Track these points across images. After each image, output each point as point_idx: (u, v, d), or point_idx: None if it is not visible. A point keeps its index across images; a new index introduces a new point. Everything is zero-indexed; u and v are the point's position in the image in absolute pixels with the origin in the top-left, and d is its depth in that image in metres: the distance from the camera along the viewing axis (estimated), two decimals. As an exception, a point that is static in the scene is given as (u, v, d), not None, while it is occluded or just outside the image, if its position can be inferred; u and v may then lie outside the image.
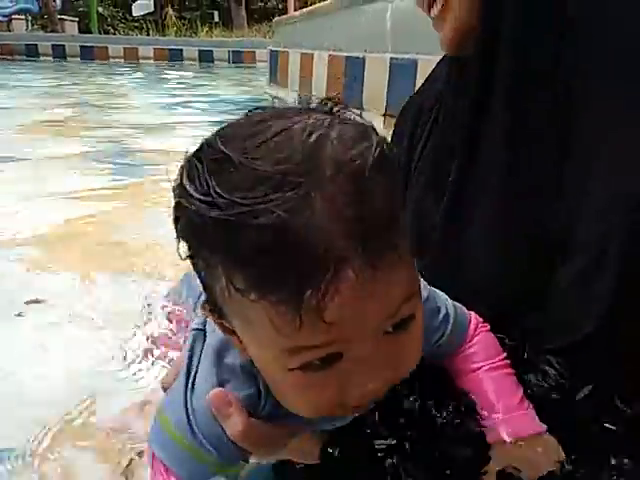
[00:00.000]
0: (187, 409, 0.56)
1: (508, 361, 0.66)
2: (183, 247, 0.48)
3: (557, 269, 0.72)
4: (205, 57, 10.64)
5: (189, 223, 0.46)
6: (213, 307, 0.50)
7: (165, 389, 0.65)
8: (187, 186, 0.45)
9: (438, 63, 0.99)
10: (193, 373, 0.58)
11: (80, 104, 4.78)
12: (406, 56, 3.19)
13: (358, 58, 3.80)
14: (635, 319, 0.67)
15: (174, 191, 0.47)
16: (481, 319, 0.69)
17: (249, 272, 0.43)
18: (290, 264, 0.41)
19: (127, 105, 4.87)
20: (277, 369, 0.48)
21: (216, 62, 10.61)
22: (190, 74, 8.59)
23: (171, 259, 1.32)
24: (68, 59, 10.03)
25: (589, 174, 0.69)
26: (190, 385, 0.57)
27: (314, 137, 0.43)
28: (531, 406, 0.64)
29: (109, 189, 2.28)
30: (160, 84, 6.76)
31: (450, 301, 0.66)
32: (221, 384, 0.56)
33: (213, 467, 0.56)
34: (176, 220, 0.48)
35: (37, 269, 1.49)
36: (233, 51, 10.75)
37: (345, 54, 4.06)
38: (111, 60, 10.18)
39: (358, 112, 0.51)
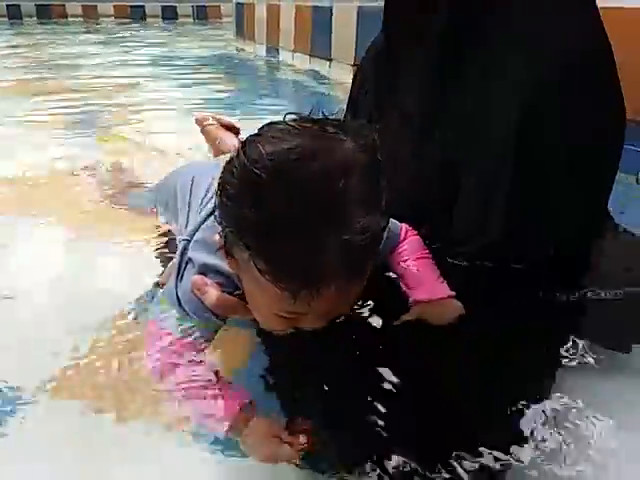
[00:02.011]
0: (177, 293, 0.80)
1: (429, 253, 0.90)
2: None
3: (461, 182, 0.92)
4: (168, 13, 10.30)
5: (232, 213, 0.64)
6: (227, 247, 0.70)
7: (162, 284, 0.95)
8: (237, 186, 0.63)
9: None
10: (182, 271, 0.82)
11: (41, 65, 4.62)
12: (374, 4, 3.14)
13: (325, 8, 3.73)
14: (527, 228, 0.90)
15: (225, 174, 0.65)
16: (410, 228, 0.92)
17: (271, 266, 0.62)
18: (299, 274, 0.62)
19: (90, 64, 4.72)
20: (261, 306, 0.71)
21: (180, 18, 10.29)
22: (153, 31, 8.33)
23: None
24: (24, 19, 9.61)
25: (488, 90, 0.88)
26: (180, 277, 0.82)
27: (338, 189, 0.60)
28: (443, 280, 0.87)
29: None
30: (123, 42, 6.54)
31: None
32: (202, 274, 0.78)
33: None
34: (224, 173, 0.65)
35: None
36: (197, 6, 10.42)
37: (312, 4, 3.98)
38: (69, 19, 9.79)
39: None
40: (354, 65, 3.30)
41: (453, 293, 0.86)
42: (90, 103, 3.13)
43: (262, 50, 5.18)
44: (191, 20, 10.24)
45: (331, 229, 0.60)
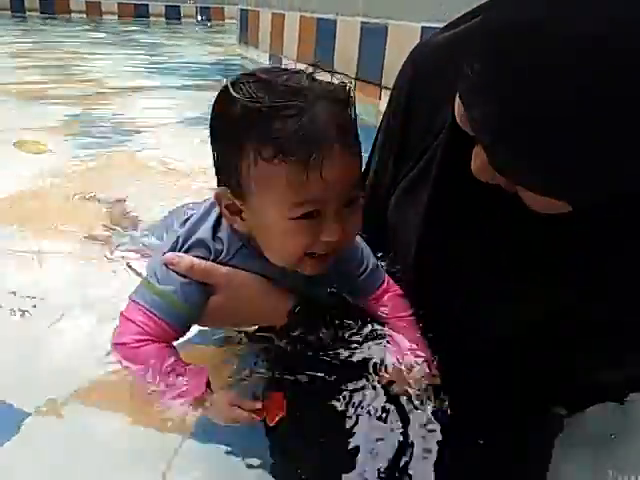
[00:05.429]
0: (154, 272, 0.84)
1: (412, 316, 0.90)
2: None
3: None
4: (172, 13, 10.33)
5: (227, 115, 0.74)
6: (234, 186, 0.76)
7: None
8: (232, 92, 0.73)
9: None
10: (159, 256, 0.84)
11: (43, 65, 4.62)
12: (377, 20, 3.18)
13: (329, 21, 3.77)
14: None
15: (217, 97, 0.76)
16: (394, 283, 0.93)
17: (277, 144, 0.70)
18: (304, 140, 0.70)
19: (91, 69, 4.72)
20: (278, 219, 0.74)
21: (183, 19, 10.32)
22: (155, 32, 8.35)
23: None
24: (27, 14, 9.60)
25: None
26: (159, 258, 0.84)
27: (305, 84, 0.75)
28: (421, 340, 0.86)
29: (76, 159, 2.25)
30: (125, 44, 6.55)
31: (373, 257, 0.92)
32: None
33: (170, 300, 0.82)
34: (213, 118, 0.78)
35: None
36: (201, 7, 10.46)
37: (316, 16, 4.02)
38: (73, 15, 9.79)
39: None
40: (355, 79, 3.34)
41: (428, 356, 0.84)
42: (84, 109, 3.13)
43: (265, 57, 5.21)
44: (194, 21, 10.27)
45: (312, 101, 0.73)
